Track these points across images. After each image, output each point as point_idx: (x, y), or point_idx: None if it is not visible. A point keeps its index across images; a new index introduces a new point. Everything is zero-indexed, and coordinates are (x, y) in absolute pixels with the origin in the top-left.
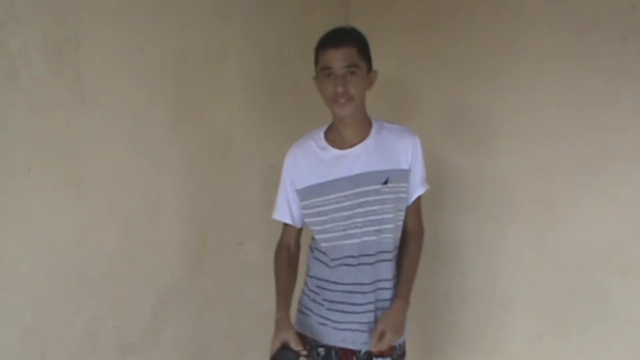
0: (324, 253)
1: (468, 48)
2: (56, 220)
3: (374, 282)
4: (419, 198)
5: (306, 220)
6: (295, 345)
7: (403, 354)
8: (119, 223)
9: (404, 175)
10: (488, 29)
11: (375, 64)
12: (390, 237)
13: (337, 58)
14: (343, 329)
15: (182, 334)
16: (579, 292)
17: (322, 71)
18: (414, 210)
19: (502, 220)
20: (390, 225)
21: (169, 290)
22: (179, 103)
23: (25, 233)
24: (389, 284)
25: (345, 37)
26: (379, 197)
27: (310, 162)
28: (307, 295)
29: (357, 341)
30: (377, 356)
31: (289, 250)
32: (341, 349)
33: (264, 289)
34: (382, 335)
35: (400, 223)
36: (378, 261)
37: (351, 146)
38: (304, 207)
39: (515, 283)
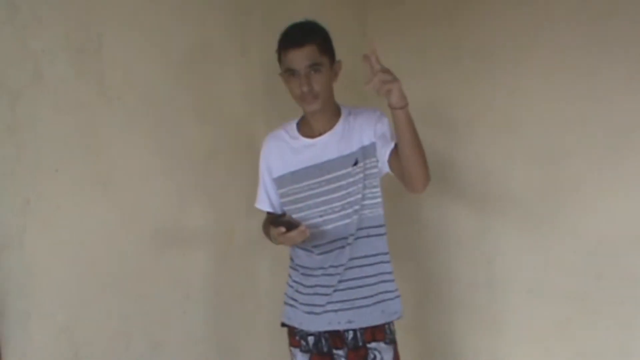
0: (304, 241)
1: (485, 37)
2: (84, 220)
3: (351, 259)
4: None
5: (285, 208)
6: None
7: (394, 340)
8: (146, 221)
9: (370, 149)
10: (504, 19)
11: (394, 55)
12: (370, 214)
13: (299, 59)
14: (327, 311)
15: (211, 329)
16: (606, 276)
17: (286, 72)
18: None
19: (530, 208)
20: (368, 202)
21: (197, 287)
22: (201, 99)
23: (54, 233)
24: (368, 261)
25: (305, 37)
26: (351, 179)
27: (283, 151)
28: (292, 287)
29: (342, 320)
30: (368, 341)
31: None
32: (330, 335)
33: None
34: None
35: (379, 199)
36: (357, 238)
37: (320, 134)
38: (281, 195)
39: (543, 269)
